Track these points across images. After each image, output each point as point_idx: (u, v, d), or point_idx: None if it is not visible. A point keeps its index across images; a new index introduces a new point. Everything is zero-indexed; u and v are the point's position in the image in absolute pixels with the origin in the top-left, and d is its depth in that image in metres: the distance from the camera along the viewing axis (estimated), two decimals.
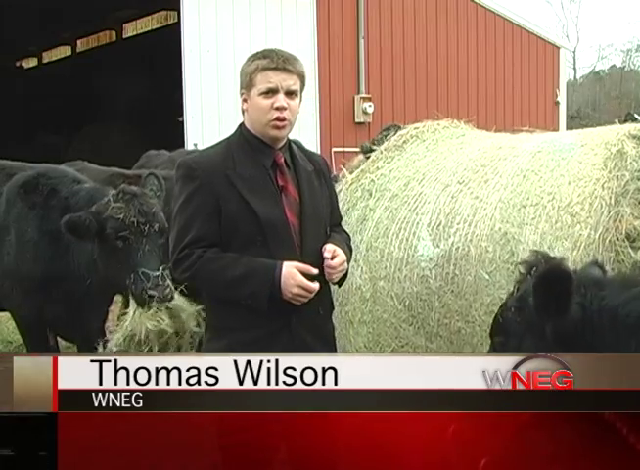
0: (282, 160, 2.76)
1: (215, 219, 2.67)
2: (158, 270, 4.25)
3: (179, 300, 4.50)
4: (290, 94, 2.70)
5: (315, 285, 2.62)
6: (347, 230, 3.14)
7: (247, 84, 2.72)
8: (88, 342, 5.25)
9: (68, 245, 4.73)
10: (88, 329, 5.02)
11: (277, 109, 2.66)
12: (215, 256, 2.66)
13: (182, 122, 10.62)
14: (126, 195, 4.46)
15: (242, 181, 2.68)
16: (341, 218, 3.08)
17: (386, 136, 5.78)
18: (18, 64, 20.24)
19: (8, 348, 7.03)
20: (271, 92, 2.67)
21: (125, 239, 4.34)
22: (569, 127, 13.96)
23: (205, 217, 2.67)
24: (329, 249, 2.71)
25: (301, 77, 2.74)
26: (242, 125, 2.81)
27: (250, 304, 2.64)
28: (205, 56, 10.52)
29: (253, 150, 2.74)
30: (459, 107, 12.82)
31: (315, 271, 2.63)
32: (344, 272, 2.80)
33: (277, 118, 2.67)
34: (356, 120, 12.13)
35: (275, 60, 2.67)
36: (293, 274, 2.59)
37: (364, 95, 12.28)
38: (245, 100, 2.75)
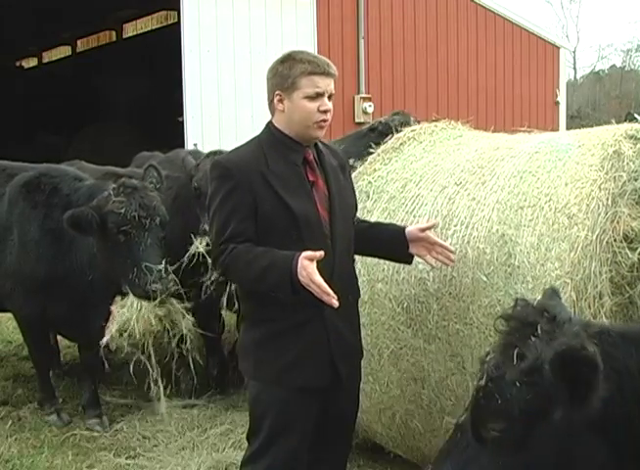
0: (311, 156, 2.91)
1: (252, 216, 2.78)
2: (160, 264, 4.25)
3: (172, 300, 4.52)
4: (330, 97, 2.88)
5: (325, 288, 2.63)
6: None
7: (288, 86, 2.83)
8: (90, 341, 5.26)
9: (71, 242, 4.72)
10: (91, 327, 5.02)
11: (324, 112, 2.83)
12: (245, 249, 2.77)
13: (182, 122, 10.61)
14: (127, 189, 4.44)
15: (276, 178, 2.80)
16: (357, 209, 3.24)
17: (392, 122, 5.82)
18: (18, 64, 20.24)
19: (8, 348, 7.03)
20: (318, 96, 2.82)
21: (127, 233, 4.33)
22: (569, 127, 13.94)
23: (242, 215, 2.78)
24: (424, 223, 3.07)
25: (336, 80, 2.92)
26: (271, 124, 2.93)
27: (277, 295, 2.75)
28: (205, 56, 10.51)
29: (286, 148, 2.87)
30: (459, 107, 12.82)
31: (321, 254, 2.67)
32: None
33: (323, 120, 2.85)
34: (356, 120, 12.11)
35: (321, 65, 2.85)
36: (304, 264, 2.64)
37: (364, 95, 12.27)
38: (281, 101, 2.86)
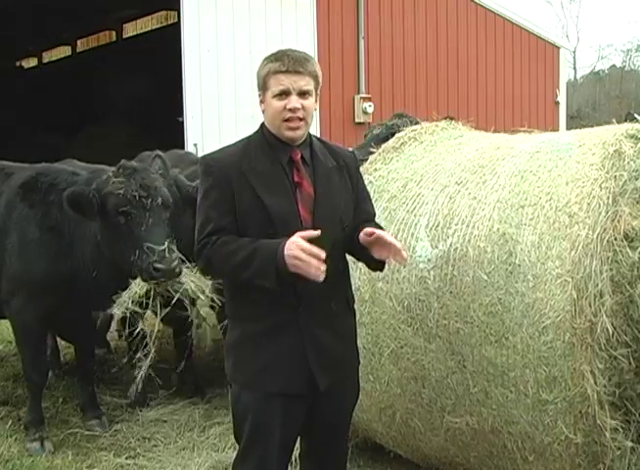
0: (298, 156, 2.86)
1: (232, 213, 2.78)
2: (163, 244, 4.18)
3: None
4: (303, 94, 2.82)
5: (316, 251, 2.59)
6: None
7: (262, 86, 2.86)
8: (90, 341, 5.22)
9: (72, 238, 4.62)
10: (92, 327, 4.98)
11: (290, 110, 2.79)
12: (228, 239, 2.76)
13: (182, 122, 10.61)
14: (127, 170, 4.35)
15: (256, 177, 2.79)
16: (372, 213, 3.13)
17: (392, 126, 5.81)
18: (18, 64, 20.26)
19: (8, 348, 7.02)
20: (284, 94, 2.80)
21: (127, 214, 4.23)
22: (569, 127, 13.95)
23: (222, 210, 2.78)
24: (366, 231, 2.77)
25: (314, 76, 2.87)
26: (263, 124, 2.93)
27: (260, 283, 2.69)
28: (205, 56, 10.51)
29: (271, 147, 2.86)
30: (459, 107, 12.83)
31: (317, 233, 2.65)
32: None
33: (290, 119, 2.80)
34: (356, 120, 12.13)
35: (286, 63, 2.80)
36: (293, 240, 2.62)
37: (364, 95, 12.28)
38: (262, 101, 2.89)
